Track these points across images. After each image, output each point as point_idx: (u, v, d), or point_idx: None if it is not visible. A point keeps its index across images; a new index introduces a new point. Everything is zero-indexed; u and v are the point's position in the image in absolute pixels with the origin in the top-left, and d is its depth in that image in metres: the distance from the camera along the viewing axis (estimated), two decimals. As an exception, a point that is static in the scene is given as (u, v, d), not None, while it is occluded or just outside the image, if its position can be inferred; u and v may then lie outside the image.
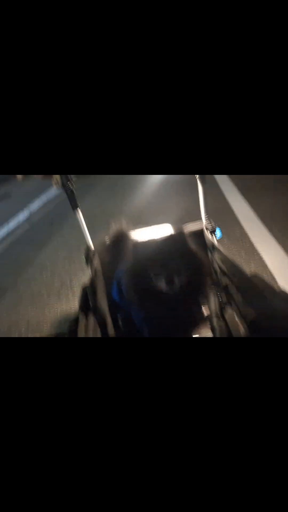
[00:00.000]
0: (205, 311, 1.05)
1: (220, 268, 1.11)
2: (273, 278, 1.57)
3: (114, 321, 1.07)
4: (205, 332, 0.96)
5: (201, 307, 1.09)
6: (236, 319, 1.02)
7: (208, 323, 0.98)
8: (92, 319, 0.81)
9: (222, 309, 1.04)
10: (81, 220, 1.21)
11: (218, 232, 1.23)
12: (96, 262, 1.16)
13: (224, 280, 1.10)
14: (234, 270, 0.97)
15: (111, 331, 1.05)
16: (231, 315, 1.04)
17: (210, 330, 0.95)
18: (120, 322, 1.08)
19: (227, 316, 1.04)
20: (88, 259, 1.21)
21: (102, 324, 0.91)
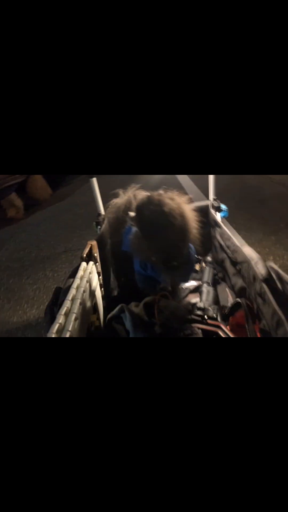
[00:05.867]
0: (197, 281, 1.12)
1: (219, 243, 1.17)
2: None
3: (117, 271, 1.20)
4: (194, 297, 1.03)
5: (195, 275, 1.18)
6: (227, 290, 1.09)
7: (198, 289, 1.06)
8: (91, 266, 0.90)
9: (215, 279, 1.11)
10: (95, 188, 1.30)
11: (224, 211, 1.28)
12: (105, 225, 1.25)
13: (222, 255, 1.16)
14: (230, 244, 1.03)
15: (112, 279, 1.18)
16: (223, 286, 1.11)
17: (198, 295, 1.02)
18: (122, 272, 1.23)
19: (219, 288, 1.11)
20: (99, 223, 1.30)
21: (104, 274, 1.01)
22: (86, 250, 1.00)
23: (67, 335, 0.52)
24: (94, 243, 1.06)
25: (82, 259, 0.96)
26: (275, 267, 0.84)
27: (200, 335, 0.75)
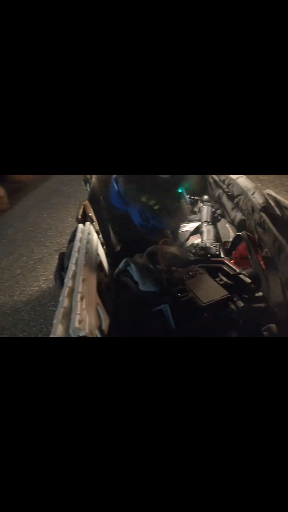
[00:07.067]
0: (196, 222, 1.12)
1: (213, 179, 1.13)
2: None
3: (115, 226, 1.18)
4: (196, 238, 1.04)
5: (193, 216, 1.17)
6: (227, 225, 1.09)
7: (198, 230, 1.06)
8: (88, 226, 0.89)
9: (213, 217, 1.10)
10: None
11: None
12: (94, 181, 1.20)
13: (217, 191, 1.13)
14: (224, 178, 0.99)
15: (112, 235, 1.17)
16: (223, 222, 1.11)
17: (199, 235, 1.02)
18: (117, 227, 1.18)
19: (219, 225, 1.11)
20: (86, 181, 1.25)
21: (103, 231, 1.01)
22: (80, 211, 0.98)
23: (78, 298, 0.54)
24: (87, 203, 1.04)
25: (78, 221, 0.95)
26: (273, 193, 0.82)
27: (206, 274, 0.77)
